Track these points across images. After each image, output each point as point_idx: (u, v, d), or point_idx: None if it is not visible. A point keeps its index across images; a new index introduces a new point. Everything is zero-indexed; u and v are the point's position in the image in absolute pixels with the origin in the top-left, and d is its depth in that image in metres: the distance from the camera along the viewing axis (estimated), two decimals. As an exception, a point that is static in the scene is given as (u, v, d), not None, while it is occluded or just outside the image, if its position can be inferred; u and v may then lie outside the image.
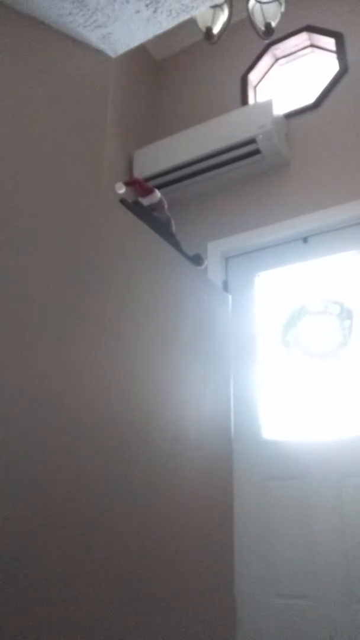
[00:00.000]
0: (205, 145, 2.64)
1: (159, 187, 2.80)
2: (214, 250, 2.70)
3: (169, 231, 1.50)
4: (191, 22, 2.79)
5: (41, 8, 1.11)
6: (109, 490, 0.93)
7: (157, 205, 1.51)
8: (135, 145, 3.00)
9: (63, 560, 0.80)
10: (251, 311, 2.55)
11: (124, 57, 2.99)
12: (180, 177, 2.77)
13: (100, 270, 1.03)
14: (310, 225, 2.48)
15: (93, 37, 1.25)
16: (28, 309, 0.85)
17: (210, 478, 1.26)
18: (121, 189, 1.46)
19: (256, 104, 2.63)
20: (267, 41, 2.86)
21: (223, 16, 2.33)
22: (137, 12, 1.13)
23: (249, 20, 2.31)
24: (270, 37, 2.29)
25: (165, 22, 1.22)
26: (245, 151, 2.59)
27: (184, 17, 1.23)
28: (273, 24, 2.26)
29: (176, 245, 1.47)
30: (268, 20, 2.26)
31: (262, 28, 2.26)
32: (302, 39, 2.86)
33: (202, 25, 2.32)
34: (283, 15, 2.39)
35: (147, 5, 1.11)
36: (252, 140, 2.54)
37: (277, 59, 2.98)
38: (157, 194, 1.51)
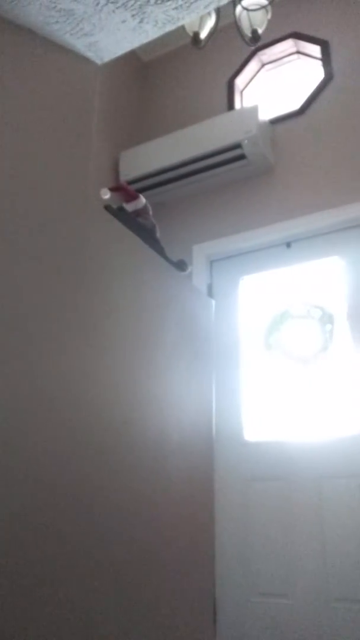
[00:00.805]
0: (191, 149, 2.66)
1: (145, 189, 2.81)
2: (199, 253, 2.73)
3: (153, 237, 1.52)
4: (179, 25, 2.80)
5: (28, 16, 1.12)
6: (89, 492, 0.94)
7: (142, 211, 1.52)
8: (121, 146, 3.00)
9: (44, 560, 0.82)
10: (235, 314, 2.58)
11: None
12: (166, 179, 2.78)
13: (84, 276, 1.05)
14: (293, 231, 2.52)
15: (79, 45, 1.26)
16: (10, 314, 0.86)
17: (192, 479, 1.29)
18: (106, 195, 1.47)
19: (242, 109, 2.66)
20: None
21: (210, 21, 2.35)
22: (124, 21, 1.15)
23: (236, 27, 2.33)
24: (257, 43, 2.31)
25: (151, 32, 1.24)
26: (230, 156, 2.62)
27: (169, 28, 1.25)
28: (260, 31, 2.28)
29: (160, 251, 1.49)
30: (255, 27, 2.28)
31: (249, 35, 2.28)
32: (289, 45, 2.90)
33: (189, 30, 2.34)
34: (269, 21, 2.42)
35: (133, 16, 1.13)
36: (237, 145, 2.57)
37: (263, 65, 3.01)
38: (142, 199, 1.52)
